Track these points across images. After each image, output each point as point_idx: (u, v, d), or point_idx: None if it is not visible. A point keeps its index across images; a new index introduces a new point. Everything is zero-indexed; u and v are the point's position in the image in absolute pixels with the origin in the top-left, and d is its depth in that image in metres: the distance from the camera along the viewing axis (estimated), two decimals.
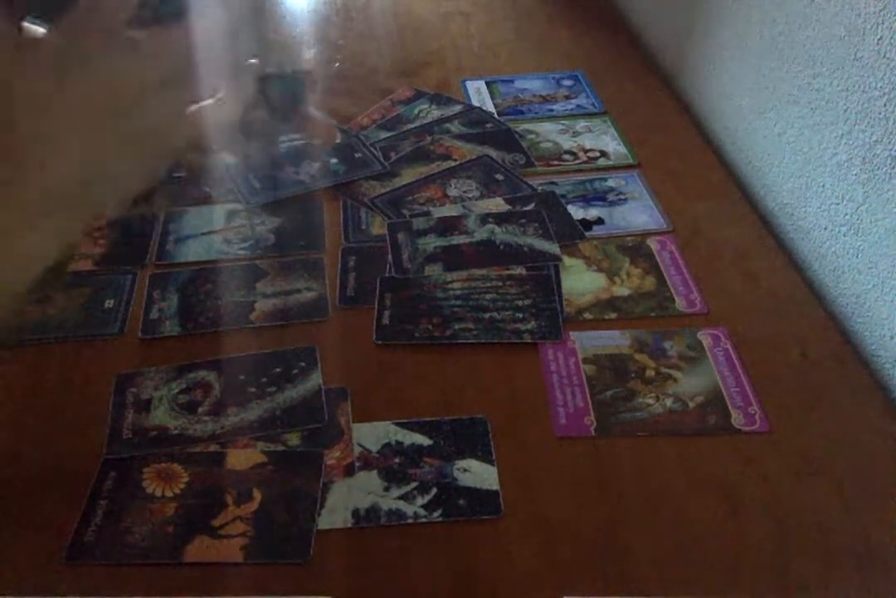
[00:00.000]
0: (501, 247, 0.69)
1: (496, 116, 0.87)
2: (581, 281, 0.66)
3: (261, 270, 0.68)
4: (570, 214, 0.73)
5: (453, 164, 0.79)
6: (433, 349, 0.61)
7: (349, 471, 0.52)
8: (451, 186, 0.77)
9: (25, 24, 0.45)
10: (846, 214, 0.64)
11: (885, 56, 0.57)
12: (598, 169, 0.79)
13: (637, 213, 0.73)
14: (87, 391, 0.58)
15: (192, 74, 0.46)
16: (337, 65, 0.99)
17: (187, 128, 0.47)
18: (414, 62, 0.99)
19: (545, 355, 0.60)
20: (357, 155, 0.80)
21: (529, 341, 0.61)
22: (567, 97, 0.91)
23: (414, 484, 0.51)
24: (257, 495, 0.51)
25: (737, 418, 0.55)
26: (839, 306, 0.65)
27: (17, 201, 0.44)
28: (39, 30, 0.46)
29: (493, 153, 0.81)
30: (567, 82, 0.93)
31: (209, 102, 0.48)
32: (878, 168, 0.59)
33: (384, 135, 0.84)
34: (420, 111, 0.88)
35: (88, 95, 0.44)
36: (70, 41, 0.44)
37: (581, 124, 0.86)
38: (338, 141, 0.82)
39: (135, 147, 0.46)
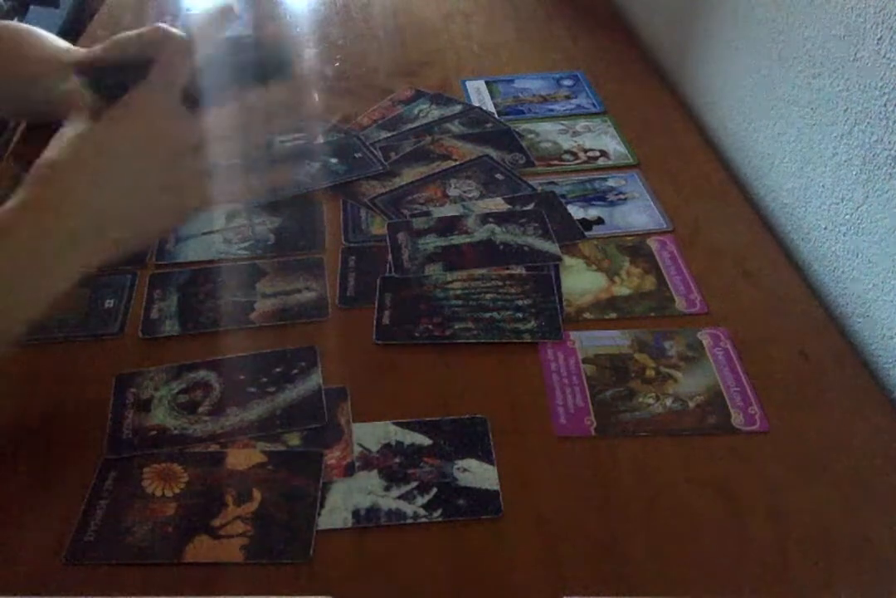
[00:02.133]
0: (501, 247, 0.69)
1: (496, 115, 0.87)
2: (581, 281, 0.66)
3: (261, 270, 0.68)
4: (570, 213, 0.73)
5: (453, 164, 0.79)
6: (433, 349, 0.61)
7: (349, 471, 0.52)
8: (451, 186, 0.77)
9: None
10: (846, 214, 0.64)
11: (885, 56, 0.57)
12: (598, 169, 0.79)
13: (637, 213, 0.73)
14: (87, 391, 0.58)
15: (223, 143, 0.50)
16: (337, 65, 0.99)
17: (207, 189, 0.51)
18: (414, 62, 0.99)
19: (545, 355, 0.60)
20: (357, 155, 0.80)
21: (529, 340, 0.61)
22: (567, 97, 0.91)
23: (414, 484, 0.51)
24: (257, 495, 0.51)
25: (737, 418, 0.55)
26: (839, 306, 0.65)
27: (49, 237, 0.47)
28: None
29: (493, 153, 0.81)
30: (567, 82, 0.93)
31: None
32: (878, 168, 0.59)
33: (384, 135, 0.84)
34: (420, 111, 0.88)
35: (136, 146, 0.48)
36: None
37: (581, 124, 0.86)
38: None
39: (164, 197, 0.50)
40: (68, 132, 0.49)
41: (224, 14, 0.51)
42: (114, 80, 0.51)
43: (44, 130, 0.55)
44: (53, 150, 0.49)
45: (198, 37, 0.51)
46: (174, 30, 0.53)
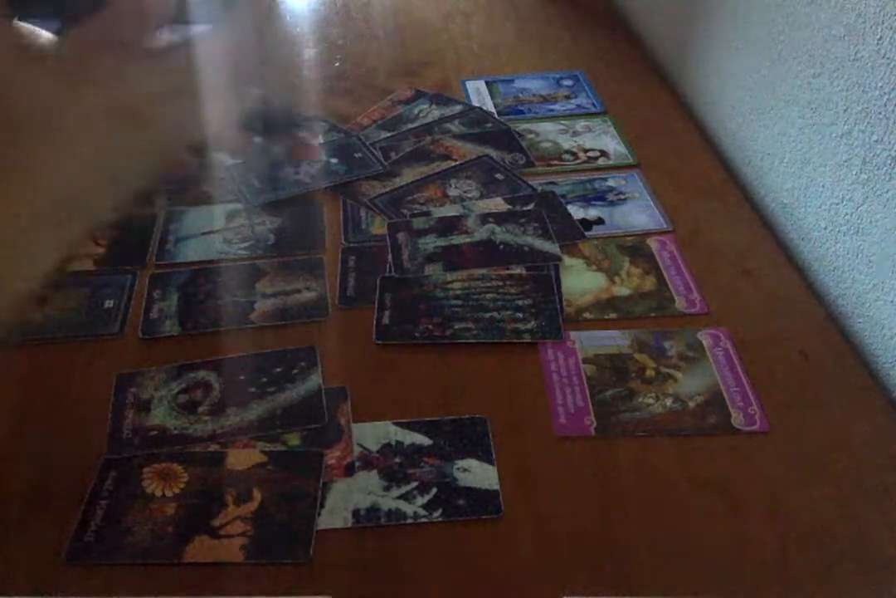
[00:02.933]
0: (501, 247, 0.69)
1: (496, 115, 0.87)
2: (581, 281, 0.66)
3: (261, 270, 0.68)
4: (570, 213, 0.73)
5: (453, 164, 0.79)
6: (433, 349, 0.61)
7: (349, 471, 0.52)
8: (451, 186, 0.77)
9: (22, 24, 0.45)
10: (846, 214, 0.64)
11: (884, 56, 0.57)
12: (598, 169, 0.79)
13: (637, 213, 0.73)
14: (87, 391, 0.58)
15: (200, 87, 0.46)
16: (337, 65, 0.99)
17: (189, 135, 0.48)
18: (414, 62, 0.99)
19: (545, 355, 0.60)
20: (357, 155, 0.80)
21: (529, 340, 0.61)
22: (567, 97, 0.91)
23: (414, 484, 0.51)
24: (257, 495, 0.51)
25: (737, 418, 0.55)
26: (839, 306, 0.65)
27: (22, 207, 0.44)
28: (44, 33, 0.45)
29: (493, 153, 0.81)
30: (567, 82, 0.93)
31: None
32: (878, 168, 0.59)
33: (384, 135, 0.84)
34: (420, 111, 0.88)
35: (94, 104, 0.44)
36: (80, 50, 0.44)
37: (581, 124, 0.86)
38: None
39: (137, 154, 0.47)
40: None
41: None
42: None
43: None
44: None
45: None
46: None
